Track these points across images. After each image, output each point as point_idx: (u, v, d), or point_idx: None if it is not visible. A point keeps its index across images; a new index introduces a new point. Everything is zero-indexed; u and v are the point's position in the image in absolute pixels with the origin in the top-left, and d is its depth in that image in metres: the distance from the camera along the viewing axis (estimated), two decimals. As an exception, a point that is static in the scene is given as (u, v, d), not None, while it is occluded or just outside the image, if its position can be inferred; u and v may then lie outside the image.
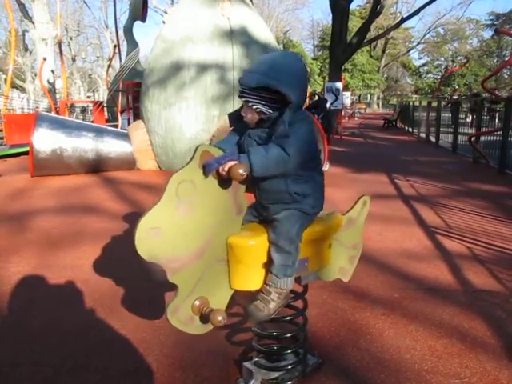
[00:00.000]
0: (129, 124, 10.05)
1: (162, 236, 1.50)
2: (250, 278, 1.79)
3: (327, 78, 19.51)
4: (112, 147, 8.16)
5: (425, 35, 53.75)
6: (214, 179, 1.61)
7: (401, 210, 5.41)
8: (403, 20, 20.90)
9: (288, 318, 2.05)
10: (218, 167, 1.56)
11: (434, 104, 14.77)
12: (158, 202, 1.49)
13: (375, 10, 16.68)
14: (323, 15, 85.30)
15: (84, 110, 17.19)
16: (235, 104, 7.90)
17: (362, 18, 40.54)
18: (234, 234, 1.74)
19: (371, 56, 50.10)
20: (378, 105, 55.75)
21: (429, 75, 58.48)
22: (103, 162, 8.10)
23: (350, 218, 2.14)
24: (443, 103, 12.03)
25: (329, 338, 2.50)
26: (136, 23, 15.54)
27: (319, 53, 54.13)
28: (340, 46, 16.38)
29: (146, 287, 3.08)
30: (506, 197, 6.13)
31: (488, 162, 8.66)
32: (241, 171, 1.51)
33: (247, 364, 2.06)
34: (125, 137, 8.38)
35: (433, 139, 13.58)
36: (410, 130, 18.39)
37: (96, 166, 8.05)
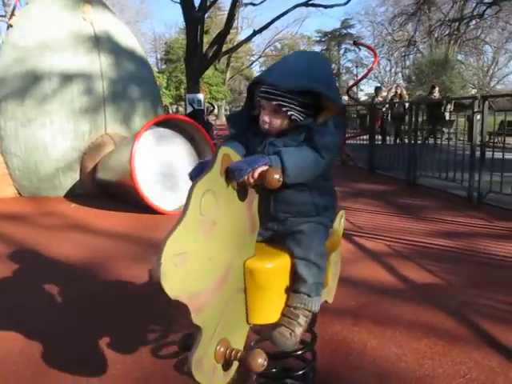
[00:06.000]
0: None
1: (188, 264, 1.14)
2: (273, 309, 1.48)
3: (182, 91, 19.37)
4: (-44, 174, 6.75)
5: (265, 49, 57.35)
6: (233, 189, 1.30)
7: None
8: (255, 33, 21.83)
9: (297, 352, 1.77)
10: (250, 172, 1.27)
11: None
12: (180, 220, 1.12)
13: (230, 22, 17.07)
14: (165, 28, 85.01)
15: None
16: (106, 117, 7.22)
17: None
18: (251, 257, 1.43)
19: (216, 69, 51.43)
20: (225, 116, 57.49)
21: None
22: None
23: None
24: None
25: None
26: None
27: (164, 66, 53.69)
28: (196, 57, 16.35)
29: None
30: (392, 194, 6.67)
31: (356, 163, 9.39)
32: (277, 176, 1.26)
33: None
34: (-28, 161, 7.00)
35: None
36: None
37: None
